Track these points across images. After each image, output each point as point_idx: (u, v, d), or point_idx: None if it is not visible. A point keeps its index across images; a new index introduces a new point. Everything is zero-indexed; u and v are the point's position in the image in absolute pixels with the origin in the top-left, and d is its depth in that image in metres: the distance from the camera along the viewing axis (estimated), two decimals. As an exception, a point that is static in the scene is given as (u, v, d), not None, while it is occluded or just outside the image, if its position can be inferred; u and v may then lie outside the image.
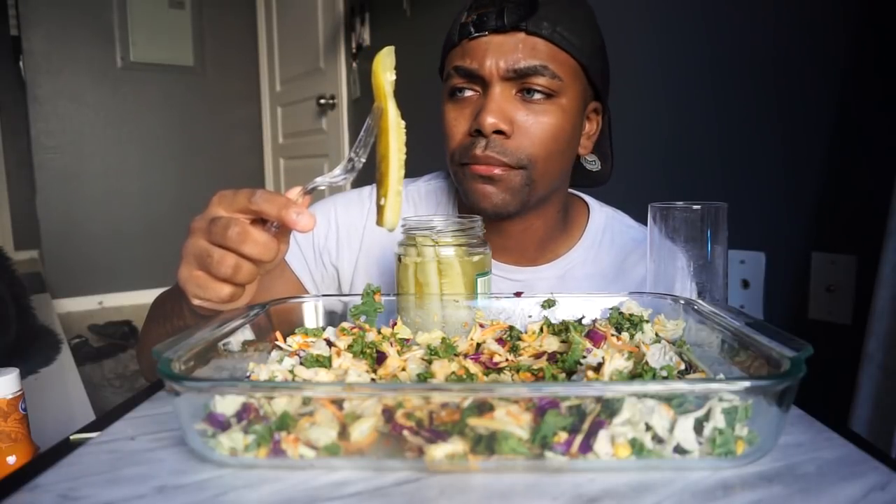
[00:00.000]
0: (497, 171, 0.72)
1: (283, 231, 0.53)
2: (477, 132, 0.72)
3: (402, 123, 0.52)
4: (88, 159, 3.39)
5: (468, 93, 0.74)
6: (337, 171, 0.53)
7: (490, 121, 0.70)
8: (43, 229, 3.33)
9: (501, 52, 0.71)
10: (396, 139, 0.51)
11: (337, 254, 0.85)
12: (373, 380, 0.48)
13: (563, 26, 0.72)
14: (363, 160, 0.53)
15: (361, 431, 0.38)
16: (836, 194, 1.18)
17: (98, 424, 0.47)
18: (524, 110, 0.72)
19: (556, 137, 0.73)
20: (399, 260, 0.63)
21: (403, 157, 0.52)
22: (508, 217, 0.76)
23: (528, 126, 0.72)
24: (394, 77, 0.52)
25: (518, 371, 0.50)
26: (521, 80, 0.71)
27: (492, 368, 0.51)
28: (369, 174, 0.52)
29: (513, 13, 0.71)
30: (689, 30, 1.42)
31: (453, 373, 0.47)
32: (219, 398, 0.39)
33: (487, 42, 0.72)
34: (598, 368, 0.47)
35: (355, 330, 0.56)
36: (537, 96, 0.72)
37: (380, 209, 0.52)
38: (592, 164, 0.86)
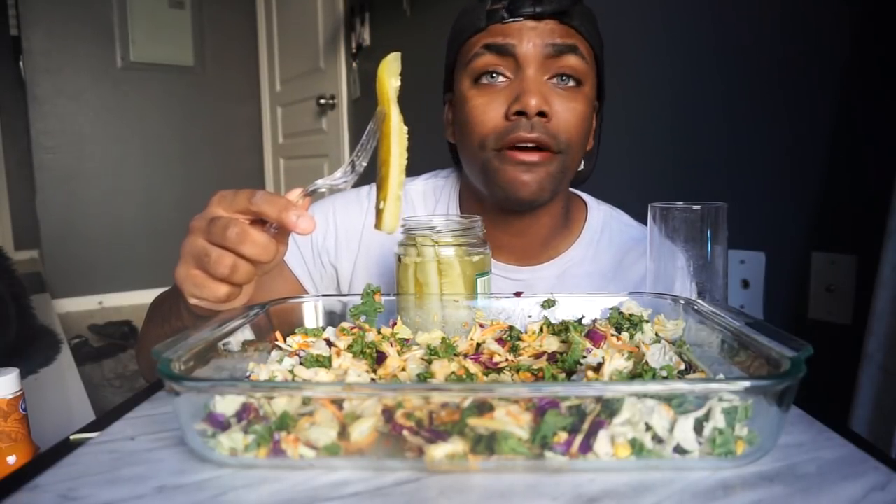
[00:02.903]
0: (537, 157, 0.72)
1: (282, 232, 0.53)
2: (518, 114, 0.71)
3: (405, 129, 0.52)
4: (88, 159, 3.39)
5: (498, 79, 0.74)
6: (338, 173, 0.53)
7: (535, 101, 0.70)
8: (43, 229, 3.33)
9: (537, 33, 0.72)
10: (398, 144, 0.51)
11: (336, 254, 0.85)
12: (373, 380, 0.48)
13: (585, 21, 0.74)
14: (364, 164, 0.53)
15: (361, 431, 0.38)
16: (836, 194, 1.18)
17: (98, 424, 0.47)
18: (556, 96, 0.72)
19: (584, 125, 0.74)
20: (399, 260, 0.63)
21: (405, 162, 0.52)
22: (540, 206, 0.76)
23: (563, 111, 0.72)
24: (398, 83, 0.52)
25: (518, 371, 0.50)
26: (556, 59, 0.72)
27: (492, 368, 0.50)
28: (370, 177, 0.52)
29: (553, 1, 0.71)
30: (690, 30, 1.42)
31: (453, 373, 0.47)
32: (219, 398, 0.39)
33: (521, 25, 0.72)
34: (598, 368, 0.47)
35: (355, 330, 0.56)
36: (568, 83, 0.73)
37: (379, 213, 0.52)
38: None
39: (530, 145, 0.71)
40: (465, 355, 0.53)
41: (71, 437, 0.44)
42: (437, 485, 0.36)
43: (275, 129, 3.72)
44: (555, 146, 0.72)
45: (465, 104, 0.75)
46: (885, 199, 1.04)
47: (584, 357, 0.49)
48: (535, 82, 0.71)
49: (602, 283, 0.83)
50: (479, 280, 0.63)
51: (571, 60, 0.72)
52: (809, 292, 1.23)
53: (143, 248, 3.48)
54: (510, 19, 0.72)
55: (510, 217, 0.78)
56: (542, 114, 0.71)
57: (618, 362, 0.46)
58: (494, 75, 0.74)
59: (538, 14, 0.72)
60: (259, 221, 0.52)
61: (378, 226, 0.52)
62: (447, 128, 0.85)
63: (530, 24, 0.72)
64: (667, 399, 0.37)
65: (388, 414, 0.38)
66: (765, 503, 0.34)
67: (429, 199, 0.89)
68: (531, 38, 0.72)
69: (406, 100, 0.53)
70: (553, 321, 0.59)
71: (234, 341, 0.51)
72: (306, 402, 0.39)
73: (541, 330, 0.58)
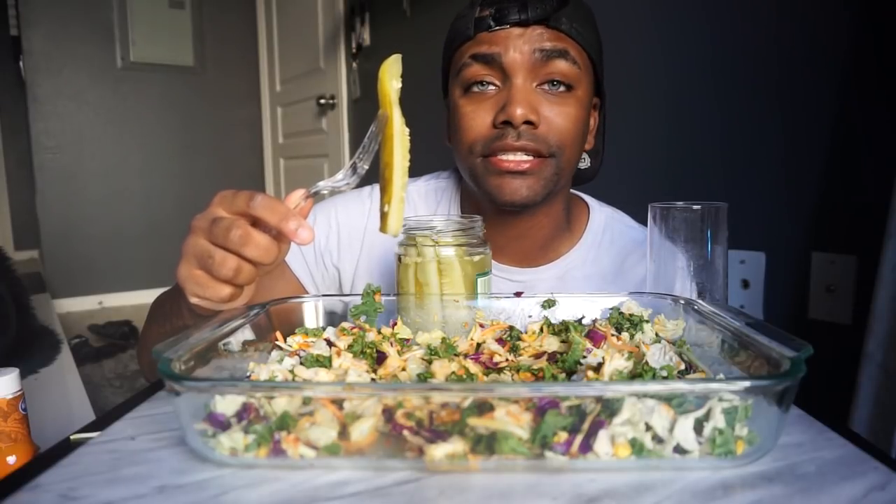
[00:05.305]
0: (527, 164, 0.72)
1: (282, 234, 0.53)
2: (504, 124, 0.71)
3: (407, 131, 0.52)
4: (88, 159, 3.39)
5: (487, 87, 0.74)
6: (339, 175, 0.53)
7: (520, 111, 0.69)
8: (43, 229, 3.33)
9: (525, 39, 0.71)
10: (401, 146, 0.51)
11: (338, 255, 0.85)
12: (373, 380, 0.48)
13: (578, 23, 0.73)
14: (366, 166, 0.53)
15: (361, 431, 0.38)
16: (836, 194, 1.18)
17: (98, 424, 0.47)
18: (546, 102, 0.72)
19: (576, 128, 0.74)
20: (399, 260, 0.63)
21: (407, 164, 0.52)
22: (533, 207, 0.76)
23: (553, 117, 0.72)
24: (399, 85, 0.52)
25: (518, 371, 0.50)
26: (544, 66, 0.71)
27: (492, 368, 0.51)
28: (371, 179, 0.52)
29: (538, 7, 0.71)
30: (690, 30, 1.42)
31: (453, 373, 0.47)
32: (219, 398, 0.39)
33: (508, 33, 0.72)
34: (598, 368, 0.47)
35: (355, 330, 0.56)
36: (557, 88, 0.72)
37: (383, 216, 0.52)
38: (583, 161, 0.86)
39: (519, 154, 0.72)
40: (466, 355, 0.53)
41: (71, 437, 0.44)
42: (437, 485, 0.36)
43: (275, 130, 3.72)
44: (545, 150, 0.72)
45: (455, 112, 0.76)
46: (885, 199, 1.04)
47: (584, 357, 0.49)
48: (521, 91, 0.71)
49: (603, 285, 0.83)
50: (479, 280, 0.63)
51: (561, 66, 0.71)
52: (809, 292, 1.23)
53: (143, 248, 3.48)
54: (496, 27, 0.72)
55: (509, 219, 0.78)
56: (528, 122, 0.71)
57: (618, 362, 0.46)
58: (485, 84, 0.74)
59: (524, 21, 0.71)
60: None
61: (383, 228, 0.52)
62: (446, 131, 0.85)
63: (517, 31, 0.71)
64: (667, 399, 0.37)
65: (388, 414, 0.38)
66: (765, 503, 0.35)
67: (430, 200, 0.89)
68: (518, 46, 0.71)
69: (406, 100, 0.53)
70: (553, 321, 0.59)
71: (235, 341, 0.51)
72: (306, 402, 0.39)
73: (541, 330, 0.58)
